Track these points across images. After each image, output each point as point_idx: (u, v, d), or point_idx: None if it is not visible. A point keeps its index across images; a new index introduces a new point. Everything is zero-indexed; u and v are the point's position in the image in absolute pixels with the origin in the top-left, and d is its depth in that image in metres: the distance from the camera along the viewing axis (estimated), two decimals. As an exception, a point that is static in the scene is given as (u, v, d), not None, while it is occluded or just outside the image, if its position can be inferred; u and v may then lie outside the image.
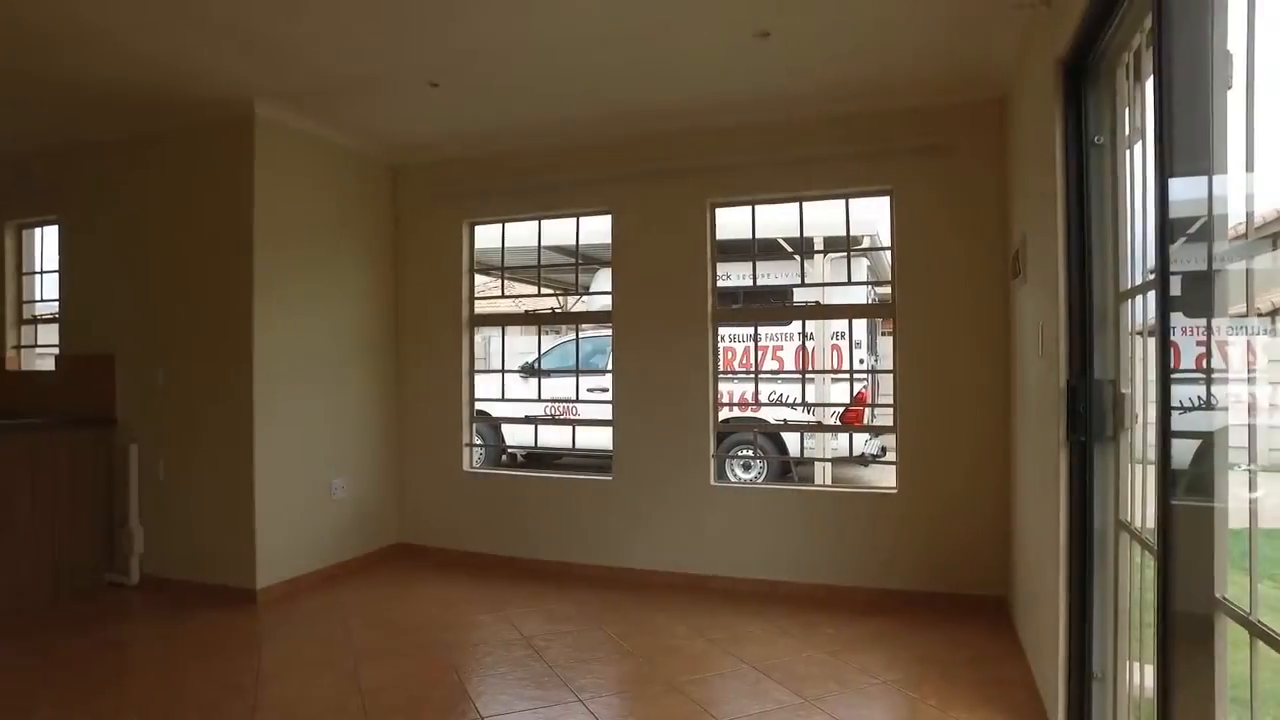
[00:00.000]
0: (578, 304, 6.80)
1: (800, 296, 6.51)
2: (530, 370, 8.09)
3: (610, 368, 4.93)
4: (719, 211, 4.69)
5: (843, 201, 4.56)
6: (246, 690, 3.13)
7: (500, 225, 5.25)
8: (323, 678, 3.26)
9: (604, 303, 5.33)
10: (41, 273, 5.17)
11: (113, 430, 4.67)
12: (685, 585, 4.58)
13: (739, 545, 4.53)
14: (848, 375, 7.16)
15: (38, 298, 5.19)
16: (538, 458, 8.33)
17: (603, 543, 4.81)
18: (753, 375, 7.02)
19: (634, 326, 4.78)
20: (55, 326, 4.96)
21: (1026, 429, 3.40)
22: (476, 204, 5.15)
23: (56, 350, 4.92)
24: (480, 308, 5.35)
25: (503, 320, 5.61)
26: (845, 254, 5.54)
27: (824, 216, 5.19)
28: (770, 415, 7.06)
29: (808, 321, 6.90)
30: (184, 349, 4.48)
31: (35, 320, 5.16)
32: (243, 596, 4.27)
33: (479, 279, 5.56)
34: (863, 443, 7.17)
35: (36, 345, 5.16)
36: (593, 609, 4.19)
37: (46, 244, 5.15)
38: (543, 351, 8.72)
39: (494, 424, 7.58)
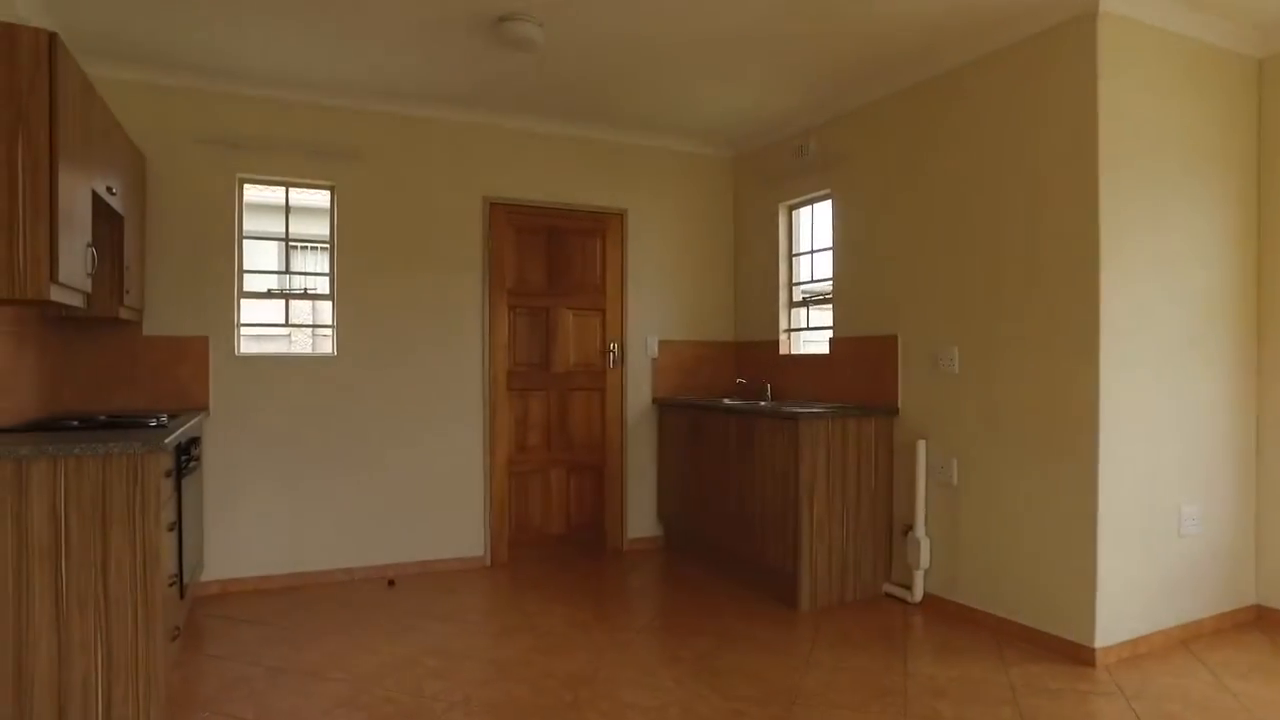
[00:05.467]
0: None
1: None
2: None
3: None
4: None
5: None
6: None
7: None
8: None
9: None
10: (813, 253, 4.98)
11: (894, 422, 4.16)
12: None
13: None
14: None
15: (804, 279, 5.04)
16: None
17: None
18: None
19: None
20: (827, 308, 4.71)
21: None
22: None
23: (829, 332, 4.65)
24: None
25: None
26: None
27: None
28: None
29: None
30: (986, 326, 3.67)
31: (806, 302, 5.01)
32: (1072, 652, 3.25)
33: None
34: None
35: (806, 328, 5.02)
36: None
37: (815, 222, 4.95)
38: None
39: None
